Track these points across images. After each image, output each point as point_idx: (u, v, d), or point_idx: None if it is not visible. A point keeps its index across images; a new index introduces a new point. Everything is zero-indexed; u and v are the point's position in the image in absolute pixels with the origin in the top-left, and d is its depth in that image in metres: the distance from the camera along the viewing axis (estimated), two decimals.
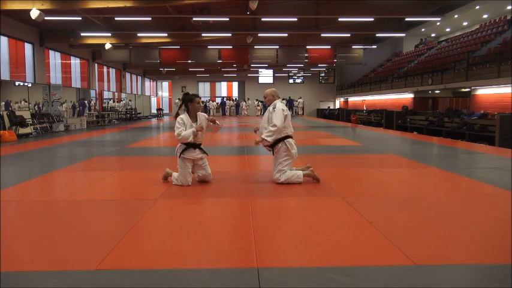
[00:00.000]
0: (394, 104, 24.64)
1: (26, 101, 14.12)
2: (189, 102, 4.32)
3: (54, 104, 14.24)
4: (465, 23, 25.47)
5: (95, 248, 2.49)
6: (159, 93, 37.06)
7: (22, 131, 11.29)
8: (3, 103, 13.07)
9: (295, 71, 34.55)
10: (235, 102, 32.45)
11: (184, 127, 4.24)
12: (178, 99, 31.38)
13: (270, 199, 3.83)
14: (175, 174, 4.41)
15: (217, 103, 32.82)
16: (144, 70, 31.38)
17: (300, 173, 4.44)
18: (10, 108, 12.77)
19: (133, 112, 24.25)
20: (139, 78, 31.41)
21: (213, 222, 3.16)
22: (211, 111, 31.09)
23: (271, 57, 21.93)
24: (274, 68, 31.62)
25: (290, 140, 4.44)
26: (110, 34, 17.01)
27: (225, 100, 32.33)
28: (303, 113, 31.82)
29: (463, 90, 18.85)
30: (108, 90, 24.53)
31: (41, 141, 10.01)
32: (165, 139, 11.07)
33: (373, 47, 24.79)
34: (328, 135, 11.59)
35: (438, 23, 25.22)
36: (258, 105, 31.63)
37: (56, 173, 5.32)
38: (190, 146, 4.31)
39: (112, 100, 23.71)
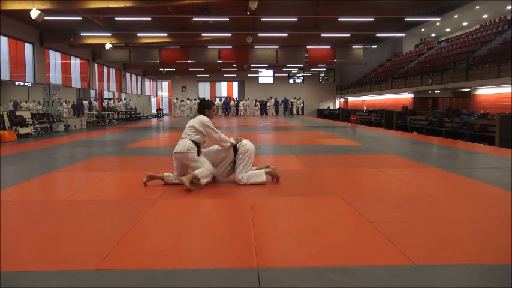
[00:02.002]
0: (394, 104, 24.64)
1: (34, 102, 14.27)
2: (206, 109, 4.38)
3: (54, 104, 14.25)
4: (465, 23, 25.48)
5: (95, 248, 2.49)
6: (159, 93, 37.07)
7: (22, 131, 11.28)
8: (12, 103, 13.25)
9: (295, 71, 34.56)
10: (235, 102, 32.52)
11: None
12: (177, 98, 31.35)
13: (270, 199, 3.83)
14: (200, 172, 4.15)
15: (217, 103, 32.89)
16: (144, 70, 31.39)
17: (262, 172, 4.38)
18: (18, 108, 12.99)
19: (133, 112, 24.26)
20: (139, 78, 31.41)
21: (213, 222, 3.16)
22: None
23: (271, 57, 21.94)
24: (274, 68, 31.64)
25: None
26: (110, 34, 17.01)
27: (228, 100, 32.39)
28: (301, 113, 31.85)
29: (463, 90, 18.85)
30: (108, 90, 24.53)
31: (41, 141, 10.00)
32: (165, 139, 11.07)
33: (373, 47, 24.80)
34: (328, 135, 11.59)
35: (438, 23, 25.23)
36: (256, 105, 31.66)
37: (56, 173, 5.32)
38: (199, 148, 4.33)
39: (112, 100, 23.73)
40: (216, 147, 4.47)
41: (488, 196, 3.90)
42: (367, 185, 4.64)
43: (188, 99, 30.80)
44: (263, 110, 31.41)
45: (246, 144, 4.41)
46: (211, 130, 4.28)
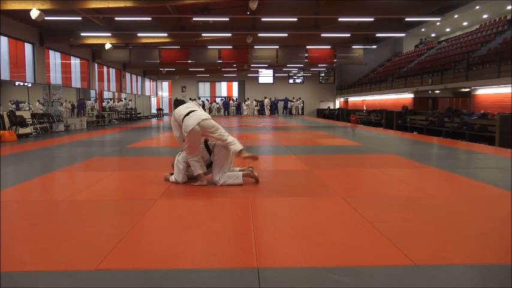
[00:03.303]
0: (394, 104, 24.64)
1: (42, 104, 14.30)
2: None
3: (54, 104, 14.25)
4: (465, 23, 25.48)
5: (95, 248, 2.49)
6: (159, 93, 37.07)
7: (22, 131, 11.28)
8: (13, 103, 13.32)
9: (295, 71, 34.56)
10: (235, 102, 32.55)
11: None
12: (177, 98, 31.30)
13: (270, 199, 3.83)
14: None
15: (217, 103, 32.87)
16: (144, 70, 31.39)
17: (240, 174, 4.33)
18: (21, 108, 13.07)
19: (133, 112, 24.27)
20: (139, 78, 31.41)
21: (213, 222, 3.16)
22: (213, 111, 31.16)
23: (271, 57, 21.94)
24: (274, 68, 31.64)
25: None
26: (110, 34, 17.01)
27: (228, 100, 32.43)
28: (301, 113, 31.85)
29: (463, 90, 18.85)
30: (108, 90, 24.53)
31: (41, 141, 10.00)
32: (165, 139, 11.07)
33: (373, 47, 24.79)
34: (328, 135, 11.59)
35: (438, 23, 25.24)
36: (257, 106, 31.60)
37: (56, 173, 5.31)
38: None
39: (112, 100, 23.74)
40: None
41: (488, 196, 3.90)
42: (367, 185, 4.64)
43: (190, 99, 30.82)
44: (262, 110, 31.41)
45: (222, 145, 4.34)
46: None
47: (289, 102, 31.45)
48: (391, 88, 24.61)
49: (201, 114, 4.24)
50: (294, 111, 31.09)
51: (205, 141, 4.42)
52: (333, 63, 24.89)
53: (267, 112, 30.57)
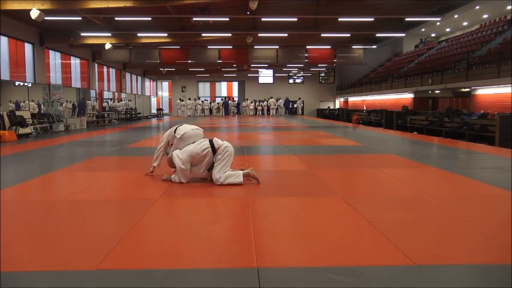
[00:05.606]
0: (394, 104, 24.65)
1: (35, 103, 14.32)
2: None
3: (54, 104, 14.24)
4: (465, 23, 25.49)
5: (95, 248, 2.48)
6: (159, 93, 37.08)
7: (22, 131, 11.28)
8: (14, 104, 13.34)
9: (295, 71, 34.57)
10: (235, 102, 32.52)
11: None
12: (180, 99, 31.33)
13: (270, 199, 3.83)
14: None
15: (218, 103, 32.82)
16: (144, 70, 31.40)
17: (240, 173, 4.38)
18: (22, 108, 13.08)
19: (133, 112, 24.27)
20: (139, 78, 31.42)
21: (213, 222, 3.16)
22: (212, 111, 31.09)
23: (271, 57, 21.96)
24: (274, 68, 31.65)
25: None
26: (110, 34, 17.03)
27: (227, 100, 32.38)
28: (302, 113, 31.84)
29: (463, 90, 18.86)
30: (108, 90, 24.54)
31: (41, 141, 10.00)
32: None
33: (373, 47, 24.81)
34: (328, 135, 11.59)
35: (438, 23, 25.25)
36: (259, 106, 31.35)
37: (56, 173, 5.31)
38: None
39: (112, 100, 23.75)
40: (191, 146, 4.45)
41: (488, 196, 3.90)
42: (367, 185, 4.63)
43: (189, 99, 30.72)
44: (262, 110, 31.30)
45: (227, 146, 4.42)
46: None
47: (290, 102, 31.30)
48: (391, 88, 24.62)
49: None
50: (271, 112, 30.60)
51: (211, 142, 4.41)
52: (333, 63, 24.90)
53: (271, 112, 30.41)
